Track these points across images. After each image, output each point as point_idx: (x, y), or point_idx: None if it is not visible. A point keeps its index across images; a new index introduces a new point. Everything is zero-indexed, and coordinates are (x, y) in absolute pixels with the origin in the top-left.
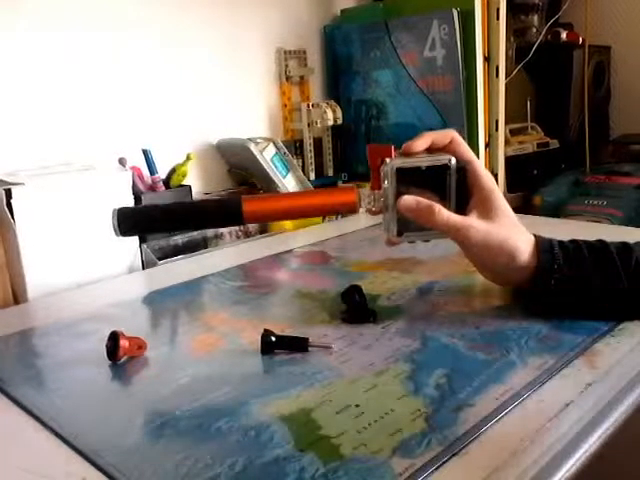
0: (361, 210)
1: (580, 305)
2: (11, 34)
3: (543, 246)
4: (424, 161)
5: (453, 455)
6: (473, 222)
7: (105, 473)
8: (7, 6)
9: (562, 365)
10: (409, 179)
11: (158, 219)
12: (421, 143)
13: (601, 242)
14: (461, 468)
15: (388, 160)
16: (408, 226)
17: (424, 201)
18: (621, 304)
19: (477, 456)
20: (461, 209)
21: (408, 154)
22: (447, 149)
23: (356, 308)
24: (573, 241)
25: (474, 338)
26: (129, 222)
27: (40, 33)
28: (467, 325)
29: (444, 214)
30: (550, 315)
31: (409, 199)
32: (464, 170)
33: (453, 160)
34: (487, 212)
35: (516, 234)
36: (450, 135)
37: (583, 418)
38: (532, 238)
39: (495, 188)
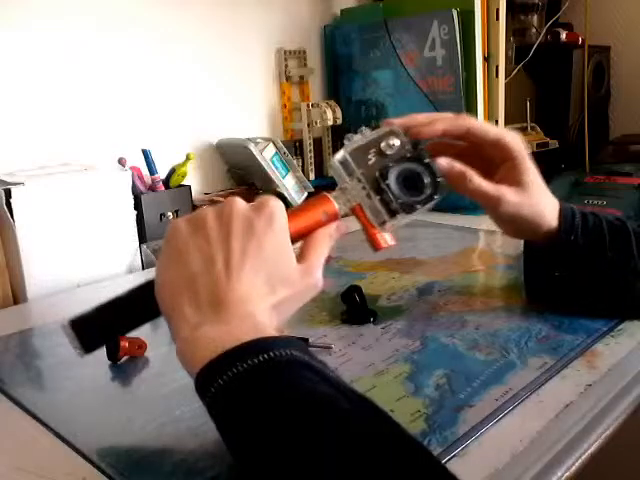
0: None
1: (587, 283)
2: (11, 34)
3: (565, 214)
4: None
5: (453, 456)
6: (504, 193)
7: (105, 473)
8: (6, 6)
9: (562, 366)
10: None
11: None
12: (430, 130)
13: (620, 220)
14: (461, 468)
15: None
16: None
17: (457, 165)
18: (626, 289)
19: (477, 456)
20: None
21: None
22: (465, 140)
23: (356, 308)
24: (594, 214)
25: (474, 338)
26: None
27: (40, 33)
28: (467, 325)
29: (476, 181)
30: (550, 315)
31: (443, 160)
32: (423, 150)
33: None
34: (517, 177)
35: (544, 201)
36: (466, 125)
37: (583, 419)
38: (557, 203)
39: (524, 152)
